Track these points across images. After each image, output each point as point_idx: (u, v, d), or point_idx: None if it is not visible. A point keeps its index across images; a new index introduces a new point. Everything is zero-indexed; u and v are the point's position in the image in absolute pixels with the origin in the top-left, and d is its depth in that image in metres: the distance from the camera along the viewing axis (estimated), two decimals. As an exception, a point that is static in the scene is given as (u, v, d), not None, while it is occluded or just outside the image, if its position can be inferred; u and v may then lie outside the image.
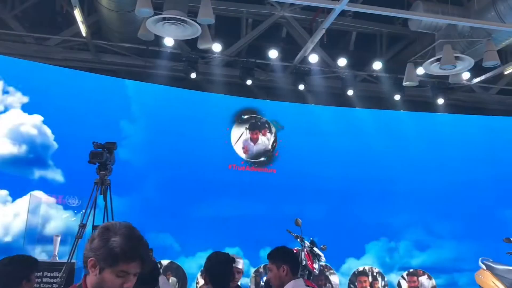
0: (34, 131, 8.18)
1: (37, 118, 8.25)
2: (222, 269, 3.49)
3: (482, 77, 10.24)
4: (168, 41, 8.52)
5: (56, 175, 8.23)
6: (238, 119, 9.91)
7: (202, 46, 7.21)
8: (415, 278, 9.65)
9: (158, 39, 8.14)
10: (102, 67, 9.82)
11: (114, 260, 1.80)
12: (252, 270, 9.10)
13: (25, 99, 8.25)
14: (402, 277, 9.68)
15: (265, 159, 9.93)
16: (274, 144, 10.02)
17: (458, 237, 9.89)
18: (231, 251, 8.52)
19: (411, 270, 9.75)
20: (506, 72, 10.04)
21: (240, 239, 9.00)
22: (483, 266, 7.72)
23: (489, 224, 9.74)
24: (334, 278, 9.35)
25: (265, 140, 10.01)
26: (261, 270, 8.98)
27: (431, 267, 9.78)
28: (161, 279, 3.76)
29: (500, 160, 10.26)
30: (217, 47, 9.16)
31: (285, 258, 3.63)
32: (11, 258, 3.49)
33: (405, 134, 10.43)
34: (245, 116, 9.96)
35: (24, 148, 8.08)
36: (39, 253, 6.99)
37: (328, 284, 9.21)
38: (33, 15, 9.58)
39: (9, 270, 3.31)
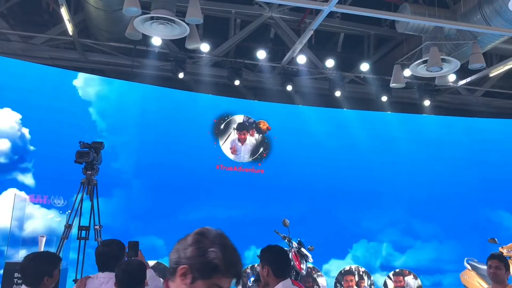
0: (12, 130, 8.05)
1: (16, 117, 8.13)
2: None
3: (468, 79, 10.35)
4: (156, 41, 8.47)
5: (36, 175, 8.11)
6: (218, 132, 9.87)
7: (190, 46, 7.18)
8: (401, 278, 9.72)
9: (145, 39, 8.09)
10: (89, 66, 9.74)
11: (211, 273, 1.72)
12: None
13: (7, 98, 8.13)
14: (388, 277, 9.73)
15: (263, 149, 9.93)
16: (263, 144, 10.01)
17: (443, 238, 9.99)
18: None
19: (397, 270, 9.82)
20: (491, 75, 10.17)
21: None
22: (468, 267, 7.81)
23: (474, 225, 9.86)
24: (322, 280, 9.37)
25: (253, 140, 10.00)
26: (248, 270, 8.96)
27: (417, 268, 9.85)
28: (149, 272, 3.73)
29: (484, 162, 10.37)
30: (205, 47, 9.14)
31: (268, 259, 3.53)
32: (37, 254, 3.59)
33: (391, 135, 10.51)
34: (222, 126, 9.93)
35: (1, 147, 7.95)
36: (24, 254, 6.86)
37: (315, 286, 9.22)
38: (19, 13, 9.47)
39: (32, 265, 3.39)
